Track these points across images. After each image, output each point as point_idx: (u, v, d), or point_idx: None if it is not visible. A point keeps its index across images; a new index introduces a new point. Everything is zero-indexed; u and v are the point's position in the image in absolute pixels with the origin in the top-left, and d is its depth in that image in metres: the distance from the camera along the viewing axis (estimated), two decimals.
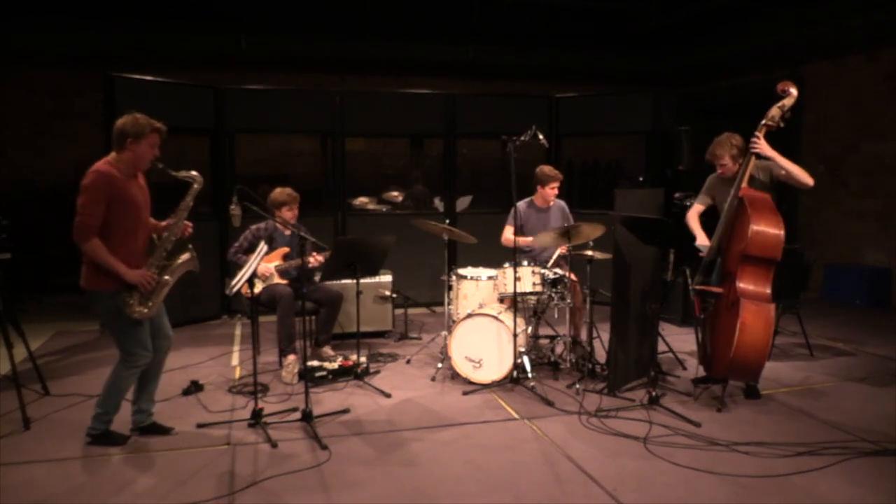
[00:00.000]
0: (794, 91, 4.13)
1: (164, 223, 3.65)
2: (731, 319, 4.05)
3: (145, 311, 3.44)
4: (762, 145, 4.11)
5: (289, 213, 5.00)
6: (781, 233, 4.03)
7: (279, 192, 5.04)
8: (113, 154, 3.45)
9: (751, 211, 4.05)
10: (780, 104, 4.13)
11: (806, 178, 4.13)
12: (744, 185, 4.18)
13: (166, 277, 3.50)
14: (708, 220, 4.54)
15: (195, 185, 3.63)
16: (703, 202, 4.58)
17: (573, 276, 4.98)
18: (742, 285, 4.09)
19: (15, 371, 4.04)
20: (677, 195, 6.76)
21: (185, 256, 3.57)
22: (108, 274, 3.36)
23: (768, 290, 4.09)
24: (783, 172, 4.18)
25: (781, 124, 4.14)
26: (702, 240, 4.43)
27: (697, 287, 4.26)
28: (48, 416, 4.05)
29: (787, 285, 5.27)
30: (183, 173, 3.60)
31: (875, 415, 4.09)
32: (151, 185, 3.69)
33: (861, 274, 7.53)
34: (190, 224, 3.65)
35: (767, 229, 4.03)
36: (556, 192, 5.32)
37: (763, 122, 4.13)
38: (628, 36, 9.14)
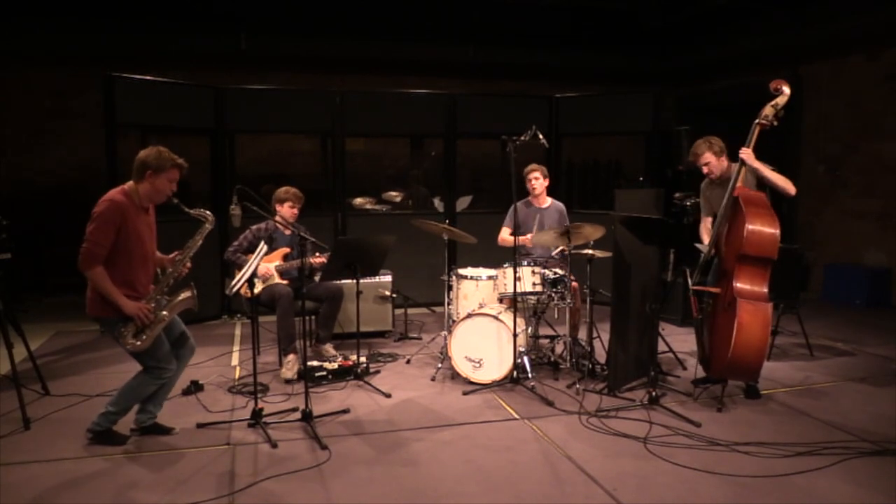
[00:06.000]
0: (787, 90, 4.08)
1: (170, 256, 3.65)
2: (729, 319, 4.04)
3: (138, 343, 3.41)
4: (748, 156, 4.09)
5: (289, 211, 5.02)
6: (777, 231, 4.00)
7: (284, 189, 5.10)
8: (130, 183, 3.47)
9: (746, 210, 4.03)
10: (773, 103, 4.09)
11: (788, 188, 4.15)
12: (739, 183, 4.16)
13: (164, 313, 3.48)
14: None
15: (207, 225, 3.64)
16: (709, 212, 4.54)
17: (573, 277, 4.98)
18: (739, 285, 4.07)
19: (15, 371, 4.04)
20: (677, 195, 6.76)
21: (185, 294, 3.57)
22: (108, 302, 3.37)
23: (765, 290, 4.05)
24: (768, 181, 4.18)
25: (775, 123, 4.09)
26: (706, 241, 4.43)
27: (694, 287, 4.25)
28: (48, 416, 4.05)
29: (787, 285, 5.28)
30: (196, 211, 3.61)
31: (875, 415, 4.09)
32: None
33: (861, 274, 7.53)
34: (189, 266, 3.64)
35: (763, 228, 3.99)
36: (539, 182, 5.31)
37: (757, 121, 4.10)
38: (628, 36, 9.14)
